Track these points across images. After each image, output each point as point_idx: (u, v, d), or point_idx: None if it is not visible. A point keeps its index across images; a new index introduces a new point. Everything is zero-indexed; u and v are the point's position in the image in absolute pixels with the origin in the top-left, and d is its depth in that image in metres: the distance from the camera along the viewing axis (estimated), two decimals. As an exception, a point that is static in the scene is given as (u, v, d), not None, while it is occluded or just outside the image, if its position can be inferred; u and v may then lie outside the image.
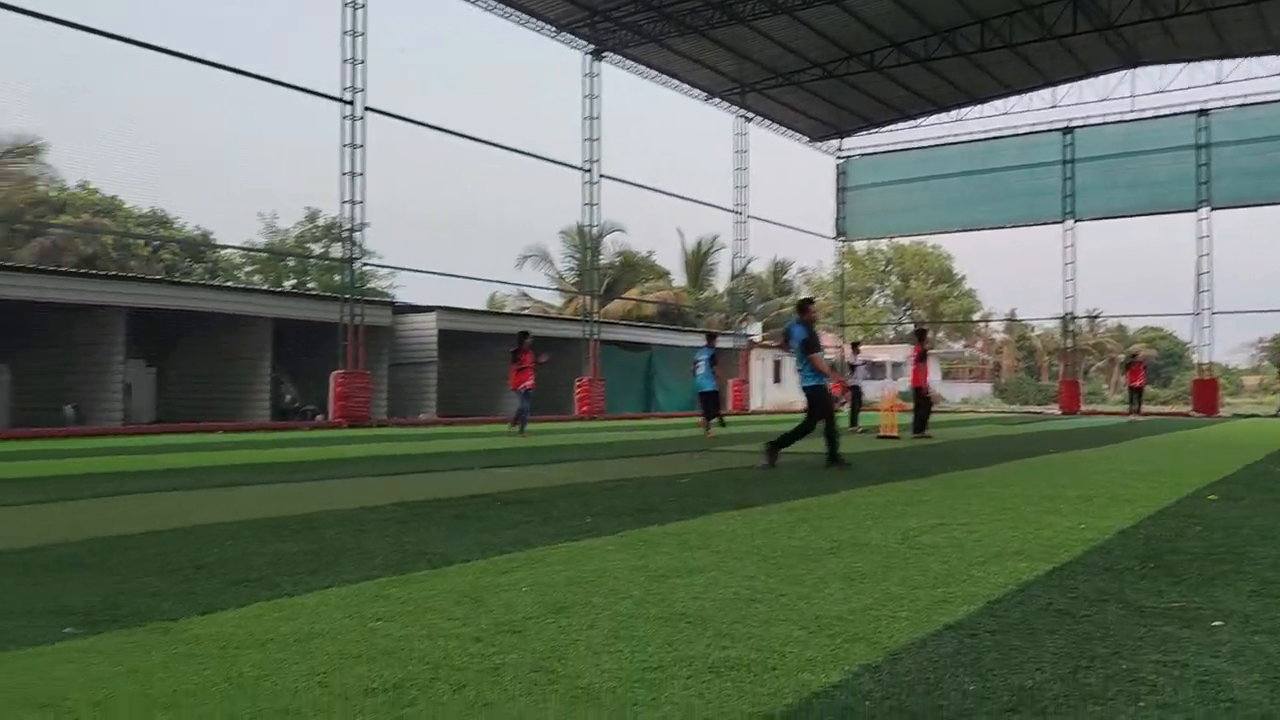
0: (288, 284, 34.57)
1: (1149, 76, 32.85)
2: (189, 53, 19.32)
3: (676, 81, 31.33)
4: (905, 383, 20.19)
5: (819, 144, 38.50)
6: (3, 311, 20.05)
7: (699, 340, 35.34)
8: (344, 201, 22.03)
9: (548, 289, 39.82)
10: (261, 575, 4.12)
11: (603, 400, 28.42)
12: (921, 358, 16.08)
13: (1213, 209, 32.17)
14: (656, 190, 31.65)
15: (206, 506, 6.60)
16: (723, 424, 17.83)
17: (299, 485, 8.19)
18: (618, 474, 9.19)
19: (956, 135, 36.47)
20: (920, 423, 16.08)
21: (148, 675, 2.70)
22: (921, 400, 16.45)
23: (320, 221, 34.33)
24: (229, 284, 30.41)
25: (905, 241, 57.05)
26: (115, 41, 18.18)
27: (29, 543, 4.92)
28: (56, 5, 16.68)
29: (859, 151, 38.94)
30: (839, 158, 39.19)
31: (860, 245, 55.37)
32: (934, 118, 36.46)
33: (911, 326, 52.54)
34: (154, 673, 2.73)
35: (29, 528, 5.54)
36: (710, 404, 17.10)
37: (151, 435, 18.04)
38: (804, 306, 10.17)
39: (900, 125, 37.31)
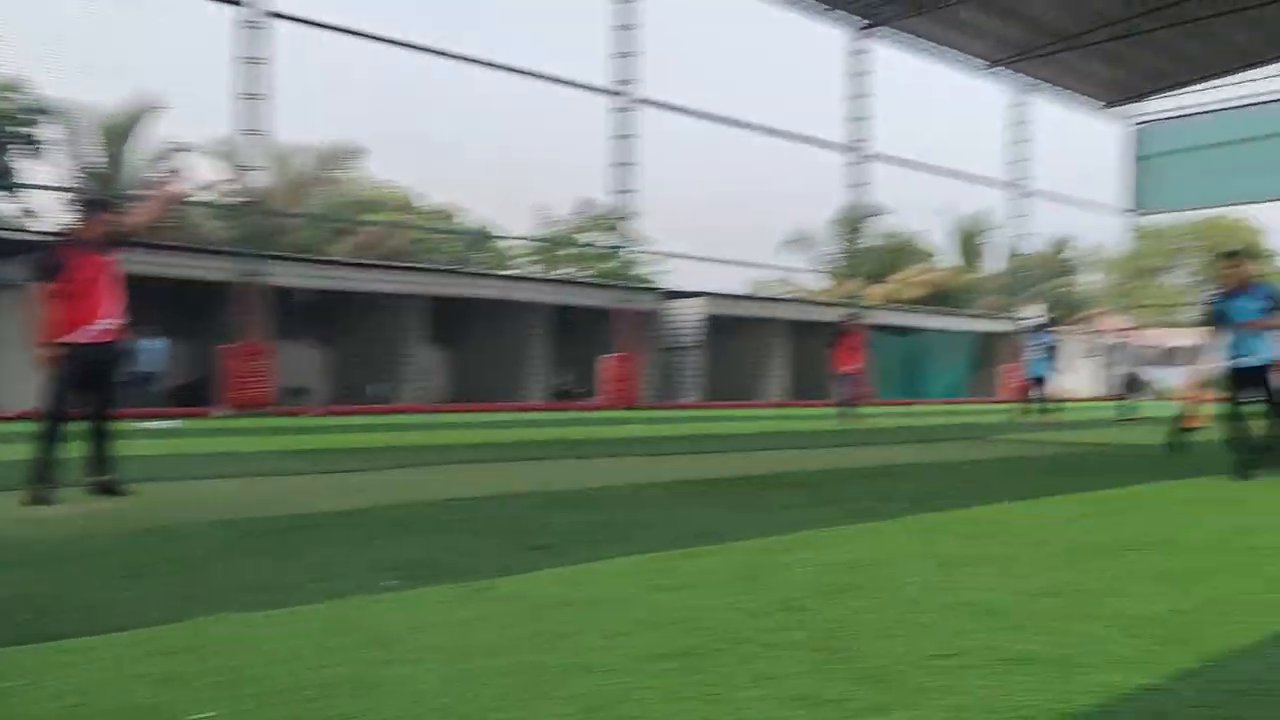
0: (564, 271, 36.34)
1: None
2: (473, 55, 20.75)
3: (953, 51, 29.93)
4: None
5: (1110, 110, 35.53)
6: (326, 301, 22.48)
7: (969, 324, 33.85)
8: (615, 191, 22.86)
9: (812, 272, 39.41)
10: (555, 543, 4.38)
11: (870, 387, 27.78)
12: None
13: None
14: (926, 166, 30.45)
15: (501, 477, 7.10)
16: (1044, 410, 16.51)
17: (580, 462, 8.62)
18: (896, 459, 8.98)
19: (1269, 94, 32.43)
20: None
21: (466, 626, 2.96)
22: None
23: (594, 211, 35.81)
24: (511, 273, 32.40)
25: (1205, 215, 51.46)
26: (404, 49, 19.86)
27: (355, 505, 5.51)
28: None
29: (1156, 116, 35.60)
30: (1134, 124, 36.01)
31: (1152, 220, 50.60)
32: (1241, 75, 32.58)
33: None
34: (471, 624, 2.98)
35: (356, 493, 6.19)
36: (1037, 388, 16.57)
37: (447, 413, 19.61)
38: (1236, 257, 7.70)
39: (1203, 85, 33.68)
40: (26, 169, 23.19)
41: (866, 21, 27.40)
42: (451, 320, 26.91)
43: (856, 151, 27.79)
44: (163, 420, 14.33)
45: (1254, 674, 2.56)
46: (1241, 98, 33.06)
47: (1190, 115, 34.77)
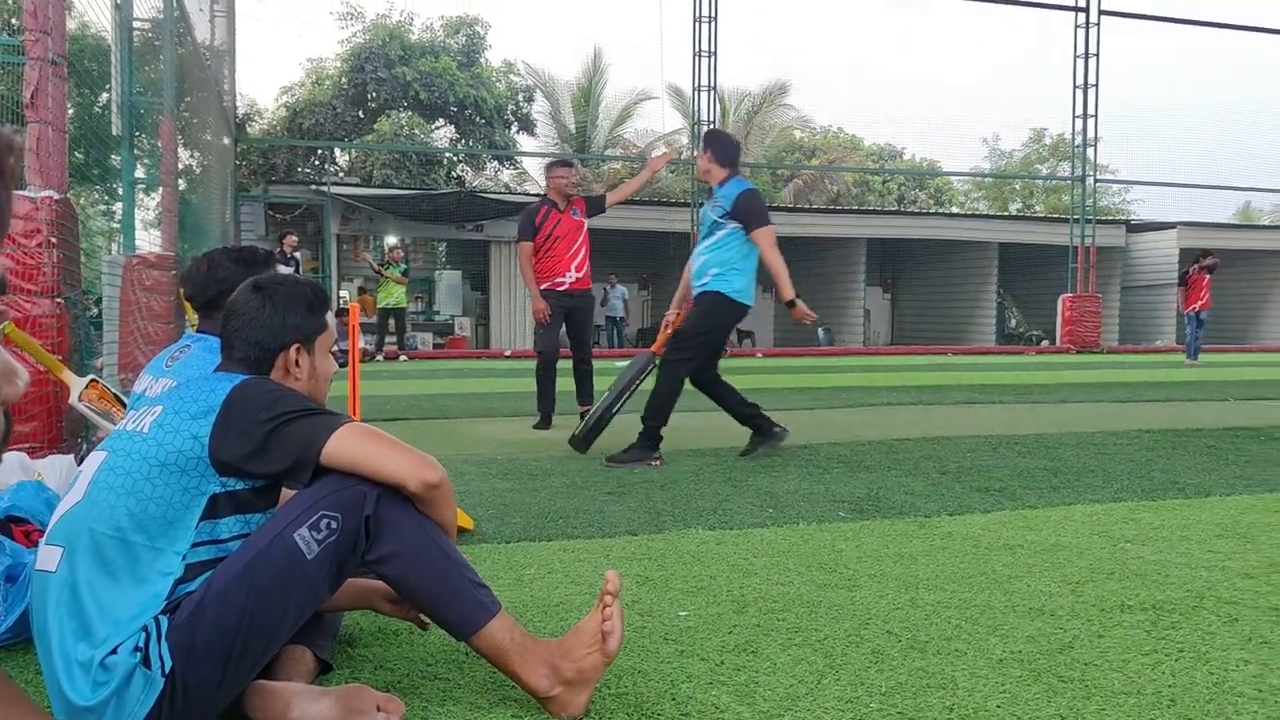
0: (1012, 207, 34.19)
1: None
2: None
3: None
4: None
5: None
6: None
7: None
8: (1075, 116, 21.00)
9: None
10: (1004, 486, 4.27)
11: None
12: None
13: None
14: None
15: (945, 420, 6.99)
16: None
17: (1031, 405, 8.19)
18: None
19: None
20: None
21: (911, 559, 3.02)
22: None
23: (1046, 140, 33.16)
24: (954, 211, 31.18)
25: None
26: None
27: (801, 441, 5.76)
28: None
29: None
30: None
31: None
32: None
33: None
34: (916, 558, 3.04)
35: (800, 429, 6.46)
36: None
37: (888, 356, 19.52)
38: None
39: None
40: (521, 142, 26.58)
41: None
42: (894, 262, 26.62)
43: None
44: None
45: None
46: None
47: None
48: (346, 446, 1.72)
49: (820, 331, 23.30)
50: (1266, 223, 32.14)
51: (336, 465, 1.72)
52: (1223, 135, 29.36)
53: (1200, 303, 15.54)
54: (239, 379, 1.79)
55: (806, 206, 25.69)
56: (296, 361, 1.95)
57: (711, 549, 3.16)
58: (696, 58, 18.78)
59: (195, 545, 1.71)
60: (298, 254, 15.09)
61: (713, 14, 18.64)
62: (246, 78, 26.01)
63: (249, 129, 22.66)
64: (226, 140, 15.40)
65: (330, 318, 2.02)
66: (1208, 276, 15.60)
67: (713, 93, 19.25)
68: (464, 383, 10.98)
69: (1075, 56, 20.68)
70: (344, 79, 24.18)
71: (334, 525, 1.70)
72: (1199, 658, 2.14)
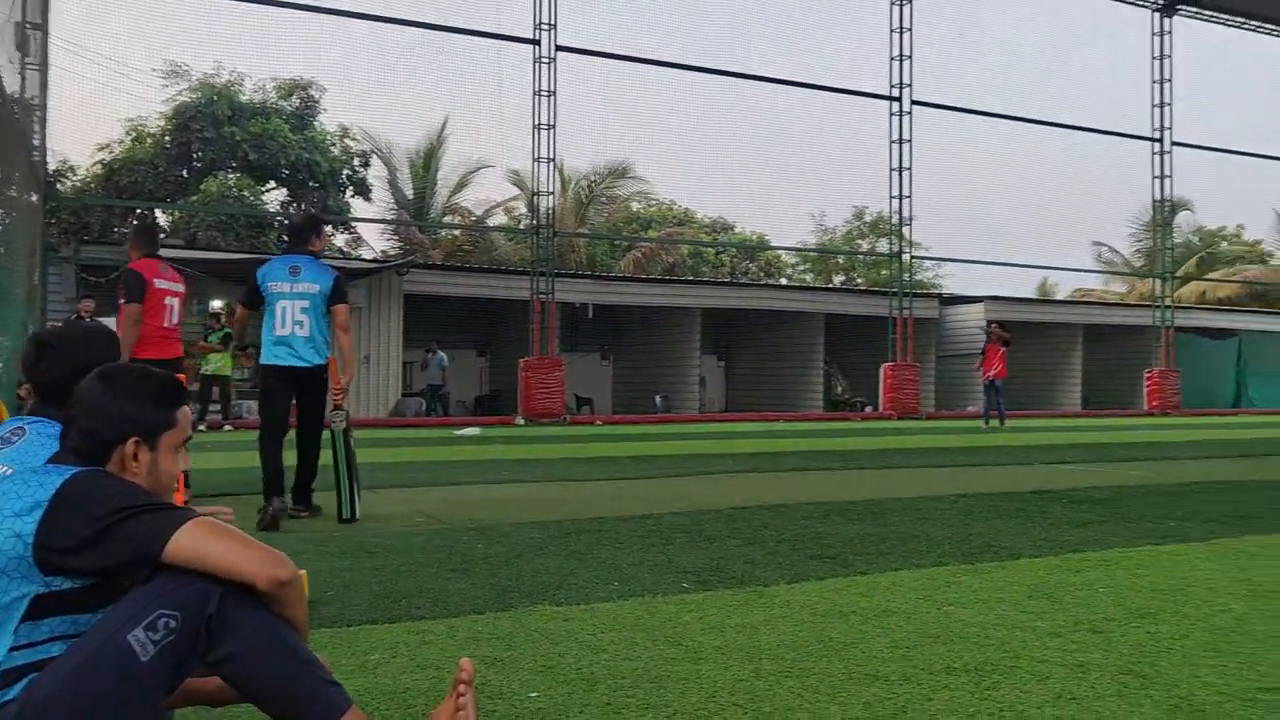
0: (837, 280, 35.96)
1: None
2: (755, 72, 21.08)
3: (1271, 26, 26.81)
4: None
5: None
6: (607, 315, 23.64)
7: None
8: (891, 197, 22.41)
9: (1110, 273, 36.57)
10: (837, 553, 4.45)
11: (1177, 394, 25.42)
12: None
13: None
14: (1244, 154, 27.41)
15: (781, 488, 7.23)
16: None
17: (859, 472, 8.58)
18: (1203, 475, 8.25)
19: None
20: None
21: (753, 629, 3.11)
22: None
23: (867, 218, 35.19)
24: (784, 282, 32.52)
25: None
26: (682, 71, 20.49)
27: (643, 511, 5.83)
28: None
29: None
30: None
31: None
32: None
33: None
34: (758, 628, 3.13)
35: (641, 499, 6.55)
36: None
37: (722, 423, 20.01)
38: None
39: None
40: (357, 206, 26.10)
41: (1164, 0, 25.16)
42: (728, 331, 27.44)
43: (1159, 141, 25.54)
44: (468, 428, 15.67)
45: None
46: None
47: None
48: (192, 543, 1.65)
49: (657, 398, 23.68)
50: (1061, 297, 35.00)
51: (181, 563, 1.65)
52: (1025, 214, 31.84)
53: (994, 371, 16.68)
54: (72, 471, 1.70)
55: (644, 276, 26.24)
56: (135, 456, 1.82)
57: (559, 625, 3.16)
58: (536, 130, 19.06)
59: (12, 649, 1.60)
60: (100, 320, 14.22)
61: (552, 89, 19.02)
62: (59, 133, 24.56)
63: (60, 186, 21.36)
64: (34, 197, 14.48)
65: (182, 414, 1.91)
66: (1002, 348, 16.79)
67: (551, 164, 19.55)
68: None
69: (890, 142, 22.16)
70: (167, 137, 23.20)
71: (172, 625, 1.62)
72: (1017, 717, 2.30)
